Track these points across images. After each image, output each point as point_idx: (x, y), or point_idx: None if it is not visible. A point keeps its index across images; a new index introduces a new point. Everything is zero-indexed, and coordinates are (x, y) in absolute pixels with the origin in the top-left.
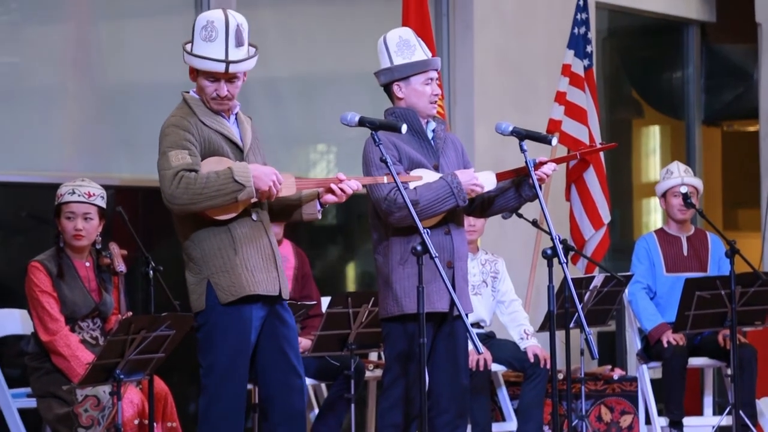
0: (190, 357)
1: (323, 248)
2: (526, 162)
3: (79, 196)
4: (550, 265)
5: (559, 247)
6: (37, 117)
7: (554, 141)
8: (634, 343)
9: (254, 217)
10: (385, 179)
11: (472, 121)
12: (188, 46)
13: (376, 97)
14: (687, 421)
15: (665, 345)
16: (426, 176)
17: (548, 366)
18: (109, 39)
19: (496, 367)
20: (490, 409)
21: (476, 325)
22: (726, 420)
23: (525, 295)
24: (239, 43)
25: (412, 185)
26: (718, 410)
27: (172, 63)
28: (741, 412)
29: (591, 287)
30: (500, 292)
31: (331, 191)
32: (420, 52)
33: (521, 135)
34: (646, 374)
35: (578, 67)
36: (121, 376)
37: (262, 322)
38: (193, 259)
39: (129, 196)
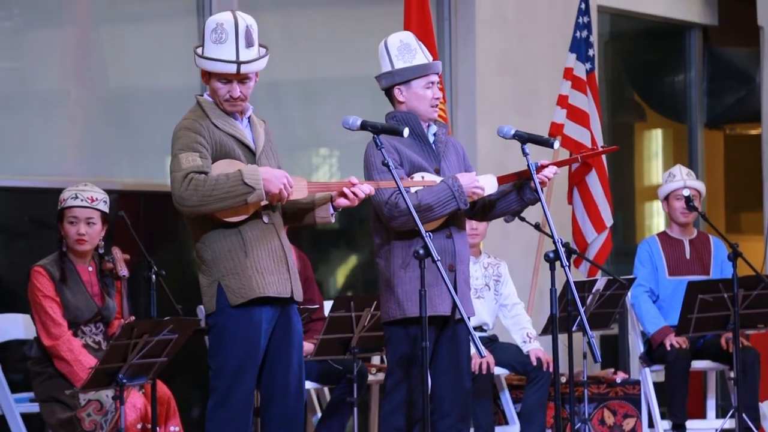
0: (192, 361)
1: (326, 252)
2: (528, 165)
3: (81, 200)
4: (552, 269)
5: (562, 250)
6: (40, 122)
7: (556, 144)
8: (636, 347)
9: (265, 219)
10: (401, 183)
11: (474, 125)
12: (199, 50)
13: (378, 101)
14: (690, 424)
15: (668, 348)
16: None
17: (551, 369)
18: (111, 44)
19: (498, 371)
20: (492, 413)
21: (479, 328)
22: (729, 423)
23: (527, 299)
24: (249, 44)
25: (413, 189)
26: (721, 413)
27: (174, 67)
28: (744, 415)
29: (593, 290)
30: (503, 295)
31: (344, 195)
32: (421, 55)
33: (523, 138)
34: (648, 377)
35: (580, 70)
36: (124, 381)
37: (273, 324)
38: (204, 261)
39: (131, 201)
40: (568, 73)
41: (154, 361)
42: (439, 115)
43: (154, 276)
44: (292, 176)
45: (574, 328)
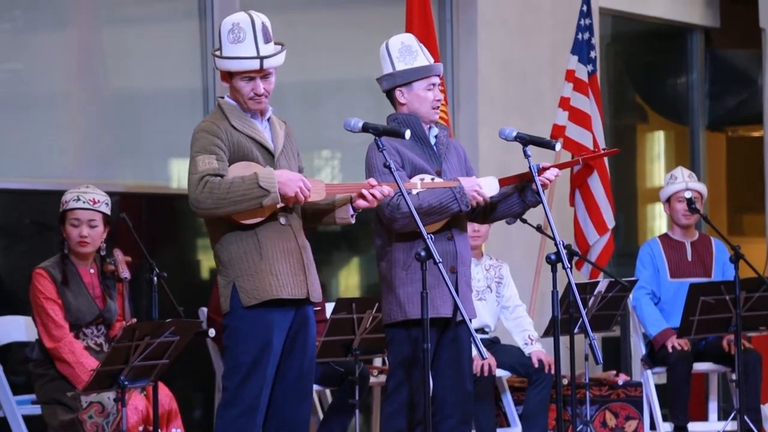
0: (194, 363)
1: (327, 254)
2: (529, 167)
3: (83, 203)
4: (554, 271)
5: (563, 252)
6: (41, 124)
7: (558, 146)
8: (638, 349)
9: (282, 221)
10: (419, 185)
11: (475, 127)
12: (217, 53)
13: (380, 103)
14: (692, 426)
15: (670, 350)
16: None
17: (552, 371)
18: (113, 46)
19: (500, 373)
20: (494, 415)
21: (481, 330)
22: (731, 425)
23: (529, 301)
24: (267, 40)
25: (414, 191)
26: (723, 415)
27: (175, 70)
28: (746, 417)
29: (595, 292)
30: (504, 297)
31: (363, 196)
32: (422, 57)
33: (525, 140)
34: (650, 379)
35: (582, 72)
36: (126, 383)
37: (289, 325)
38: (221, 263)
39: (133, 203)
40: (569, 75)
41: (155, 363)
42: (441, 117)
43: (155, 278)
44: (309, 179)
45: (575, 330)
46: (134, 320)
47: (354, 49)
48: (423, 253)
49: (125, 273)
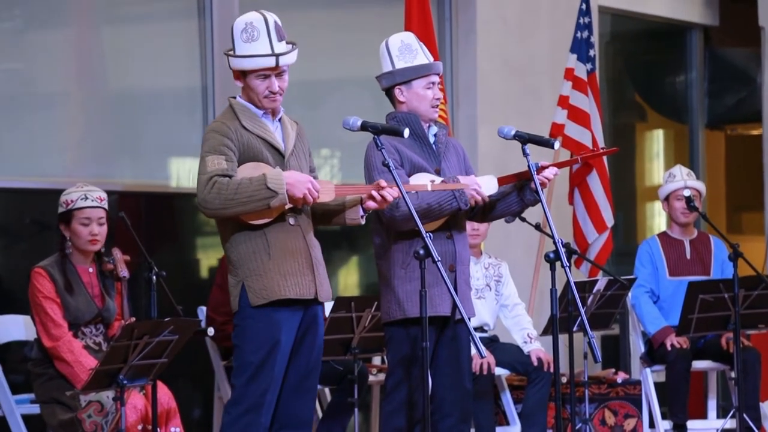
0: (193, 362)
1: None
2: (528, 166)
3: (92, 201)
4: (553, 269)
5: (562, 250)
6: (40, 123)
7: (557, 145)
8: (637, 347)
9: (291, 221)
10: (429, 186)
11: (475, 125)
12: (231, 53)
13: (379, 102)
14: (691, 424)
15: (669, 348)
16: (428, 181)
17: (552, 369)
18: (112, 45)
19: (499, 371)
20: (493, 413)
21: (480, 329)
22: (730, 423)
23: (528, 299)
24: (281, 38)
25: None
26: (722, 413)
27: (174, 69)
28: (745, 415)
29: (594, 291)
30: (504, 295)
31: (372, 197)
32: (422, 56)
33: (524, 139)
34: (649, 377)
35: (581, 71)
36: (125, 382)
37: (298, 325)
38: (231, 262)
39: (132, 202)
40: (569, 74)
41: (154, 362)
42: (440, 116)
43: (154, 277)
44: (319, 180)
45: (574, 329)
46: (133, 319)
47: (353, 48)
48: (422, 252)
49: (124, 272)
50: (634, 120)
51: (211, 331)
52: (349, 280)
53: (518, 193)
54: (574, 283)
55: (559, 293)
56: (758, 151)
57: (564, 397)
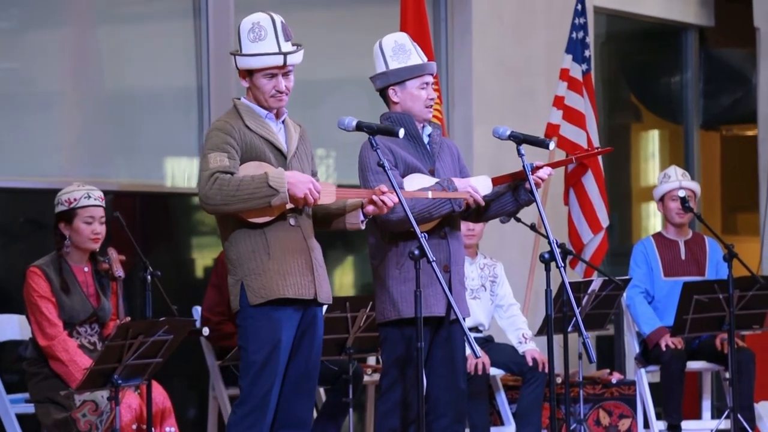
0: (188, 362)
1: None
2: (523, 166)
3: (94, 200)
4: (548, 269)
5: (557, 251)
6: (37, 123)
7: (552, 145)
8: (632, 347)
9: (291, 222)
10: (430, 194)
11: (470, 125)
12: (237, 53)
13: (374, 103)
14: (685, 424)
15: (663, 349)
16: (422, 181)
17: (546, 370)
18: (108, 45)
19: (494, 371)
20: (488, 413)
21: (475, 329)
22: (724, 424)
23: (523, 299)
24: (288, 38)
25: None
26: (716, 414)
27: (170, 69)
28: (739, 415)
29: (589, 291)
30: (499, 296)
31: (373, 202)
32: (416, 56)
33: (519, 139)
34: (644, 378)
35: (576, 71)
36: (119, 381)
37: (297, 325)
38: (230, 261)
39: (127, 202)
40: (564, 74)
41: (149, 362)
42: (434, 116)
43: (149, 277)
44: (320, 182)
45: (569, 329)
46: (128, 319)
47: (348, 48)
48: (417, 252)
49: (119, 272)
50: (629, 120)
51: (206, 330)
52: (344, 280)
53: (513, 194)
54: (569, 283)
55: (554, 293)
56: (753, 151)
57: (559, 397)
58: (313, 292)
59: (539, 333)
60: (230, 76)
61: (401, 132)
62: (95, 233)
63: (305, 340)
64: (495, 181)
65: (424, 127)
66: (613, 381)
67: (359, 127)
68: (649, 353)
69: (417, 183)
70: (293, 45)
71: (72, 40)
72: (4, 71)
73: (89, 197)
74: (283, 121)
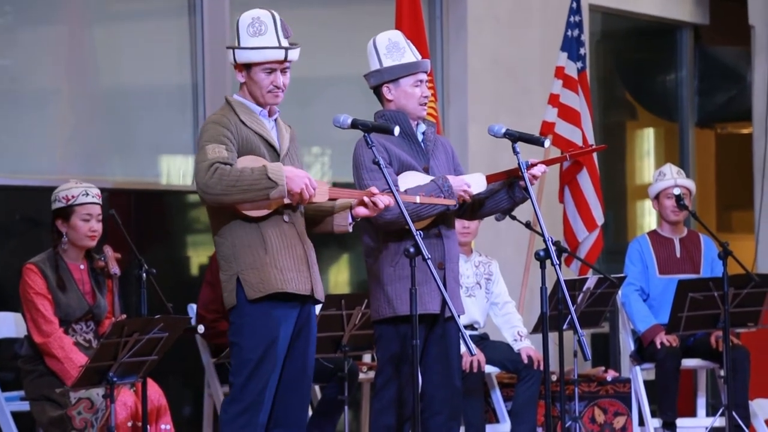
0: (183, 359)
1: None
2: (518, 164)
3: (92, 197)
4: (543, 267)
5: (552, 248)
6: (31, 120)
7: (547, 143)
8: (627, 345)
9: (286, 218)
10: (418, 199)
11: (465, 123)
12: (234, 46)
13: (370, 100)
14: (680, 422)
15: (658, 346)
16: (416, 179)
17: (542, 367)
18: (103, 42)
19: (489, 369)
20: (483, 411)
21: (470, 326)
22: (719, 421)
23: (518, 297)
24: (287, 35)
25: (403, 189)
26: (711, 411)
27: (165, 66)
28: (734, 413)
29: (584, 289)
30: (494, 293)
31: (363, 204)
32: (409, 54)
33: (514, 137)
34: (639, 375)
35: (572, 69)
36: (114, 379)
37: (294, 321)
38: (223, 256)
39: (122, 199)
40: (559, 72)
41: (144, 360)
42: (429, 114)
43: (144, 274)
44: (315, 180)
45: (564, 327)
46: (124, 316)
47: (343, 46)
48: (412, 250)
49: (115, 269)
50: (624, 118)
51: (201, 328)
52: (339, 277)
53: (507, 191)
54: (564, 281)
55: (549, 291)
56: (748, 149)
57: (554, 395)
58: (310, 288)
59: (534, 331)
60: (225, 74)
61: (396, 130)
62: (92, 230)
63: (301, 338)
64: (490, 179)
65: (418, 124)
66: (608, 378)
67: (354, 124)
68: (644, 351)
69: (412, 181)
70: (291, 43)
71: (67, 37)
72: None
73: (87, 194)
74: (275, 120)
